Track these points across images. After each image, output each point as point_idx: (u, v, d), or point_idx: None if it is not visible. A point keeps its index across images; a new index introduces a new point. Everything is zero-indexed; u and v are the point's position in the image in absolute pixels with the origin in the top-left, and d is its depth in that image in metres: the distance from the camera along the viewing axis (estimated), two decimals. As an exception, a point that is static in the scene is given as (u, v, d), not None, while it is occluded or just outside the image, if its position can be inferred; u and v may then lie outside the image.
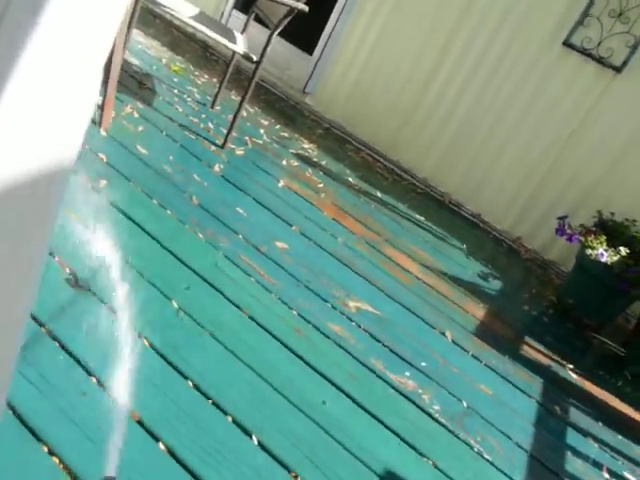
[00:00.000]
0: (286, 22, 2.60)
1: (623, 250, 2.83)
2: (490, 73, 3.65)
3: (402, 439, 1.54)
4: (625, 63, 3.31)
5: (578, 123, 3.49)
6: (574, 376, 2.38)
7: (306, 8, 2.53)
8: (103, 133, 2.35)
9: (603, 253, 2.80)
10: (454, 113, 3.79)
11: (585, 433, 2.00)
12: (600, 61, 3.36)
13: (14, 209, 0.44)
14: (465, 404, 1.82)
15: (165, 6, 2.53)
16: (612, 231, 3.04)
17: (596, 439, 2.00)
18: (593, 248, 2.86)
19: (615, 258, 2.80)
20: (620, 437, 2.09)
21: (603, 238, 2.91)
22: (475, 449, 1.64)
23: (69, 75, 0.42)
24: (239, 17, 4.39)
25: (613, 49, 3.32)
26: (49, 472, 1.04)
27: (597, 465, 1.86)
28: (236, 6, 4.45)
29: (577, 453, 1.87)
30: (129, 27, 2.59)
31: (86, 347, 1.32)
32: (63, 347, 1.29)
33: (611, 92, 3.39)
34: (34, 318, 1.32)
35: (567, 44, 3.43)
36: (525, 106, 3.59)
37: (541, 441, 1.83)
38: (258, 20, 3.26)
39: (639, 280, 2.73)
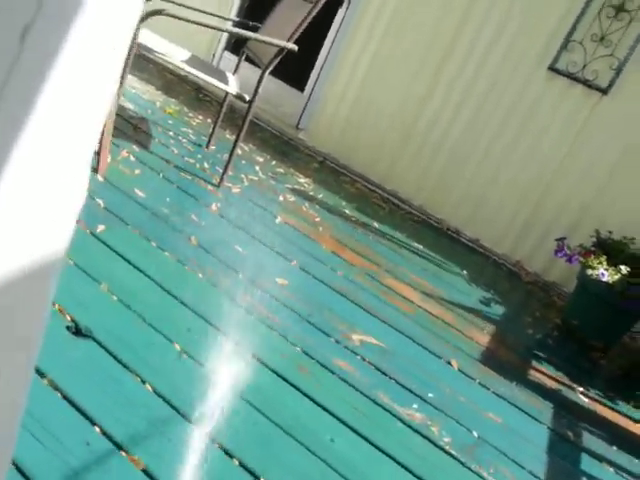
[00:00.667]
0: (277, 61, 2.66)
1: (624, 268, 2.83)
2: (480, 101, 3.72)
3: (413, 473, 1.51)
4: (611, 84, 3.38)
5: (569, 144, 3.53)
6: (584, 399, 2.35)
7: (295, 47, 2.59)
8: (100, 179, 2.37)
9: (604, 273, 2.80)
10: (446, 141, 3.84)
11: (600, 458, 1.96)
12: (586, 84, 3.43)
13: (7, 303, 0.45)
14: (475, 434, 1.78)
15: (158, 52, 2.59)
16: (611, 250, 3.04)
17: (611, 464, 1.96)
18: (594, 268, 2.86)
19: (616, 277, 2.80)
20: (636, 461, 2.05)
21: (603, 258, 2.91)
22: (488, 481, 1.60)
23: (62, 162, 0.43)
24: (230, 58, 4.49)
25: (598, 71, 3.39)
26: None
27: (614, 491, 1.82)
28: (227, 47, 4.56)
29: (593, 479, 1.83)
30: (123, 73, 2.65)
31: (88, 395, 1.31)
32: (65, 397, 1.28)
33: (599, 112, 3.44)
34: (35, 369, 1.31)
35: (552, 69, 3.50)
36: (516, 131, 3.65)
37: (555, 468, 1.80)
38: (249, 60, 3.33)
39: (642, 298, 2.71)
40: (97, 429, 1.23)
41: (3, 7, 0.35)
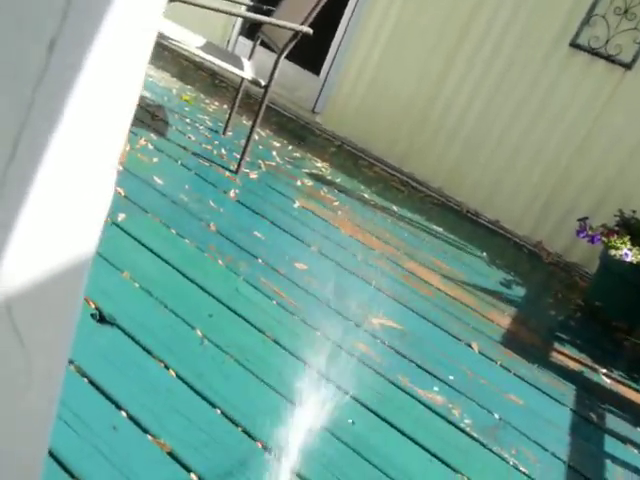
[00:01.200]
0: (292, 45, 2.64)
1: (648, 248, 2.78)
2: (498, 79, 3.65)
3: (434, 456, 1.52)
4: (635, 59, 3.29)
5: (591, 122, 3.45)
6: (607, 381, 2.33)
7: (310, 31, 2.57)
8: (119, 167, 2.39)
9: (628, 253, 2.75)
10: (464, 122, 3.78)
11: (624, 440, 1.95)
12: (609, 59, 3.34)
13: (42, 304, 0.46)
14: (497, 416, 1.78)
15: (173, 39, 2.59)
16: (635, 229, 2.98)
17: (636, 445, 1.94)
18: (617, 248, 2.81)
19: (640, 257, 2.75)
20: (660, 441, 2.03)
21: (626, 237, 2.86)
22: (510, 462, 1.60)
23: (86, 174, 0.44)
24: (245, 43, 4.47)
25: (621, 46, 3.30)
26: (84, 509, 1.05)
27: (639, 473, 1.81)
28: (242, 33, 4.54)
29: (617, 461, 1.82)
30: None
31: (114, 381, 1.34)
32: (92, 382, 1.31)
33: (623, 88, 3.36)
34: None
35: (574, 45, 3.42)
36: (536, 110, 3.58)
37: (578, 450, 1.79)
38: (264, 45, 3.31)
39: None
40: (123, 414, 1.26)
41: (29, 18, 0.36)
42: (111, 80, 0.42)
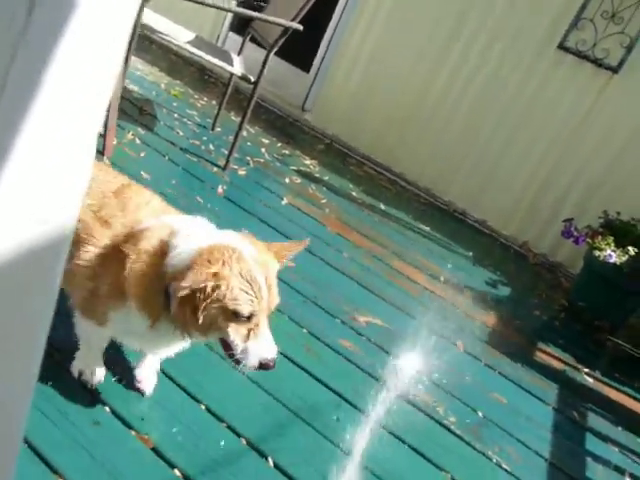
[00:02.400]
0: (282, 42, 2.63)
1: (632, 250, 2.81)
2: (487, 80, 3.67)
3: (418, 452, 1.52)
4: (621, 63, 3.32)
5: (577, 124, 3.49)
6: (590, 380, 2.36)
7: (300, 27, 2.56)
8: (106, 161, 2.37)
9: (612, 254, 2.79)
10: (452, 122, 3.80)
11: (605, 438, 1.97)
12: (596, 62, 3.37)
13: (15, 279, 0.45)
14: (480, 414, 1.80)
15: (162, 33, 2.57)
16: (619, 231, 3.02)
17: (617, 444, 1.97)
18: (601, 249, 2.84)
19: (624, 258, 2.78)
20: (640, 440, 2.06)
21: (611, 239, 2.89)
22: (493, 460, 1.62)
23: (66, 147, 0.43)
24: (235, 39, 4.44)
25: (609, 50, 3.33)
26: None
27: (619, 471, 1.83)
28: (232, 28, 4.51)
29: (598, 459, 1.84)
30: (127, 55, 2.63)
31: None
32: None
33: (609, 92, 3.39)
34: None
35: (562, 47, 3.45)
36: (523, 111, 3.60)
37: (560, 448, 1.81)
38: (254, 41, 3.29)
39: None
40: (107, 409, 1.25)
41: None
42: (93, 42, 0.41)
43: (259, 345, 1.04)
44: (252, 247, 1.11)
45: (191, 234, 1.09)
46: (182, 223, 1.14)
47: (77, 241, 1.11)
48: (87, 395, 1.27)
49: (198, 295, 0.99)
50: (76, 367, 1.29)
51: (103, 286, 1.11)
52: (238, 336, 1.04)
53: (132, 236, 1.10)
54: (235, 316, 1.02)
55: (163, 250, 1.07)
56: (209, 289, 0.99)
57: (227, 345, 1.06)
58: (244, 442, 1.31)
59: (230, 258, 1.03)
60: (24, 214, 0.43)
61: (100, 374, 1.29)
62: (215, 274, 0.99)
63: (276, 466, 1.29)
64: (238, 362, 1.05)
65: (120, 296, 1.09)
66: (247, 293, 1.02)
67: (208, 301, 1.00)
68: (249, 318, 1.03)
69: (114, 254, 1.09)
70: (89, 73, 0.42)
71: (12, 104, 0.38)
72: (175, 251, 1.06)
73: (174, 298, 1.02)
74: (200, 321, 1.01)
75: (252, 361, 1.04)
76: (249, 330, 1.04)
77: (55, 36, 0.38)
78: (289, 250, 1.23)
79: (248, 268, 1.03)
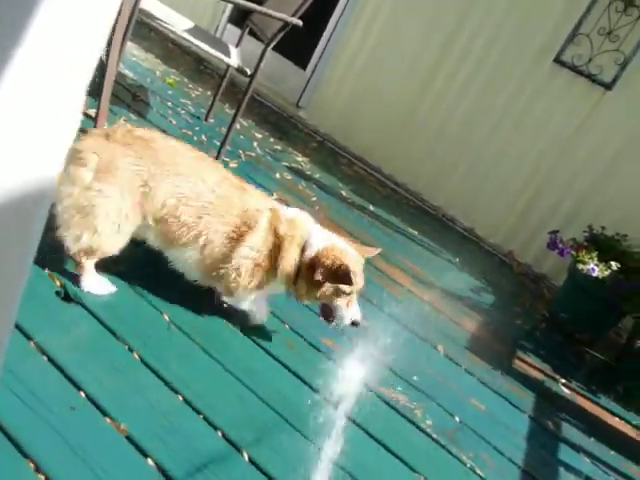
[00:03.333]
0: (280, 36, 2.61)
1: (614, 265, 2.85)
2: (482, 89, 3.69)
3: (393, 453, 1.52)
4: (615, 80, 3.36)
5: (568, 138, 3.53)
6: (566, 391, 2.38)
7: (300, 22, 2.55)
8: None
9: (594, 268, 2.82)
10: (445, 129, 3.82)
11: (577, 448, 1.99)
12: (590, 78, 3.41)
13: None
14: (457, 419, 1.81)
15: (160, 19, 2.54)
16: (603, 246, 3.05)
17: (588, 454, 1.99)
18: (584, 263, 2.87)
19: (606, 273, 2.82)
20: (612, 452, 2.08)
21: (594, 253, 2.92)
22: (467, 465, 1.62)
23: (50, 99, 0.42)
24: (234, 31, 4.42)
25: (603, 66, 3.37)
26: (35, 489, 1.03)
27: (590, 481, 1.85)
28: (231, 20, 4.49)
29: (570, 469, 1.86)
30: (124, 40, 2.60)
31: (75, 360, 1.31)
32: (51, 360, 1.28)
33: (601, 108, 3.43)
34: (22, 332, 1.31)
35: (558, 61, 3.48)
36: (516, 122, 3.63)
37: (534, 456, 1.82)
38: (252, 34, 3.28)
39: (630, 295, 2.74)
40: (82, 394, 1.23)
41: None
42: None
43: (352, 311, 1.63)
44: (352, 247, 1.66)
45: (318, 236, 1.62)
46: (313, 229, 1.66)
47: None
48: (63, 380, 1.25)
49: (324, 274, 1.55)
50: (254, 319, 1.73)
51: (265, 263, 1.59)
52: (341, 304, 1.61)
53: (287, 235, 1.59)
54: (342, 292, 1.59)
55: (304, 247, 1.60)
56: (334, 270, 1.54)
57: (327, 310, 1.65)
58: (220, 435, 1.31)
59: (343, 255, 1.58)
60: (5, 165, 0.41)
61: (265, 312, 1.74)
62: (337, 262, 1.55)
63: (251, 461, 1.28)
64: (332, 321, 1.65)
65: (274, 271, 1.60)
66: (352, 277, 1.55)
67: (330, 282, 1.56)
68: (348, 294, 1.60)
69: (274, 245, 1.59)
70: (76, 30, 0.41)
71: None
72: (309, 249, 1.59)
73: (305, 279, 1.58)
74: (319, 294, 1.59)
75: (347, 320, 1.63)
76: (347, 302, 1.62)
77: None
78: (369, 252, 1.76)
79: (354, 262, 1.58)
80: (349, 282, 1.54)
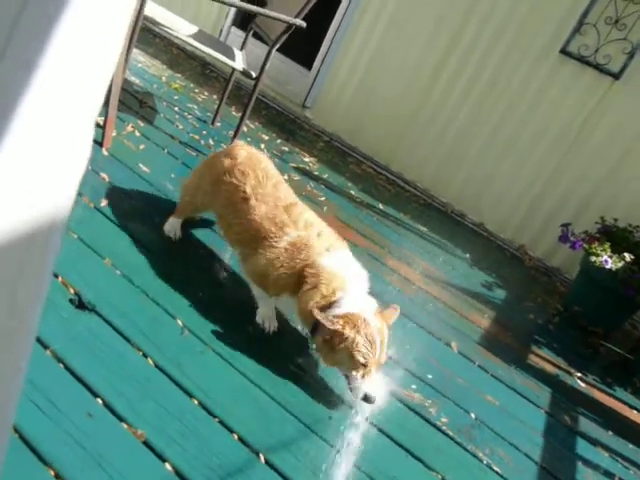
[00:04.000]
0: (284, 38, 2.62)
1: (627, 256, 2.82)
2: (489, 83, 3.67)
3: (409, 452, 1.53)
4: (623, 69, 3.32)
5: (578, 130, 3.50)
6: (582, 385, 2.36)
7: (304, 24, 2.56)
8: (105, 153, 2.37)
9: (607, 260, 2.79)
10: (452, 124, 3.80)
11: (595, 442, 1.98)
12: (598, 68, 3.38)
13: (10, 261, 0.44)
14: (473, 416, 1.80)
15: (164, 25, 2.56)
16: (616, 237, 3.03)
17: (607, 448, 1.98)
18: (597, 255, 2.85)
19: (620, 264, 2.79)
20: (631, 446, 2.07)
21: (607, 245, 2.90)
22: (484, 461, 1.62)
23: (63, 129, 0.42)
24: (238, 34, 4.44)
25: (610, 56, 3.34)
26: (55, 496, 1.04)
27: (608, 475, 1.84)
28: (234, 23, 4.50)
29: (588, 463, 1.85)
30: (129, 47, 2.62)
31: (91, 368, 1.32)
32: (67, 368, 1.29)
33: (610, 98, 3.40)
34: (39, 340, 1.33)
35: (564, 52, 3.45)
36: (524, 114, 3.61)
37: (550, 452, 1.81)
38: (257, 37, 3.29)
39: (644, 286, 2.71)
40: (99, 401, 1.25)
41: None
42: (94, 26, 0.41)
43: (366, 384, 1.52)
44: (376, 317, 1.58)
45: (349, 298, 1.57)
46: (350, 282, 1.62)
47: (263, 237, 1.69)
48: (80, 387, 1.26)
49: (336, 339, 1.51)
50: (259, 317, 1.76)
51: (280, 278, 1.65)
52: (355, 375, 1.53)
53: (316, 272, 1.61)
54: (358, 362, 1.51)
55: (330, 302, 1.57)
56: (343, 338, 1.50)
57: (345, 377, 1.57)
58: (236, 438, 1.32)
59: (361, 324, 1.52)
60: (16, 198, 0.42)
61: (274, 325, 1.75)
62: (349, 331, 1.51)
63: (267, 463, 1.29)
64: (352, 391, 1.55)
65: (290, 291, 1.66)
66: (366, 349, 1.51)
67: (342, 345, 1.51)
68: (365, 365, 1.52)
69: (298, 269, 1.63)
70: (87, 58, 0.42)
71: (4, 88, 0.38)
72: (336, 309, 1.55)
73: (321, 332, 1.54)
74: (334, 359, 1.55)
75: (360, 393, 1.52)
76: (363, 373, 1.53)
77: (50, 19, 0.38)
78: (390, 317, 1.67)
79: (371, 332, 1.52)
80: (358, 352, 1.49)
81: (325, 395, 1.60)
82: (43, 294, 0.51)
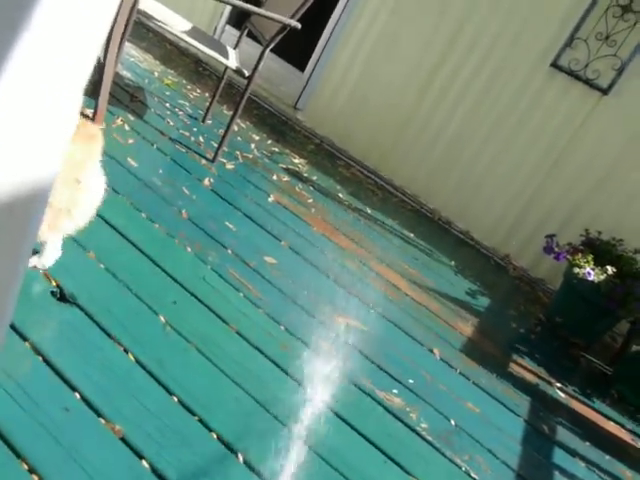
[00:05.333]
0: (278, 38, 2.62)
1: (610, 269, 2.86)
2: (480, 93, 3.70)
3: (389, 457, 1.52)
4: (612, 85, 3.37)
5: (566, 142, 3.54)
6: (562, 395, 2.38)
7: (298, 25, 2.56)
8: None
9: (590, 272, 2.83)
10: (443, 132, 3.83)
11: (572, 452, 2.00)
12: (587, 82, 3.42)
13: None
14: (453, 422, 1.81)
15: (158, 20, 2.54)
16: (599, 250, 3.06)
17: (583, 459, 1.99)
18: (580, 266, 2.88)
19: (602, 277, 2.83)
20: (608, 457, 2.09)
21: (590, 257, 2.93)
22: (462, 468, 1.62)
23: (48, 94, 0.42)
24: (232, 33, 4.43)
25: (600, 71, 3.39)
26: (28, 490, 1.02)
27: (584, 485, 1.86)
28: (229, 22, 4.49)
29: (564, 472, 1.86)
30: (122, 40, 2.59)
31: (70, 361, 1.30)
32: (46, 361, 1.27)
33: (598, 113, 3.44)
34: (17, 332, 1.30)
35: (555, 65, 3.49)
36: (514, 126, 3.64)
37: (528, 460, 1.83)
38: (251, 36, 3.28)
39: (625, 299, 2.75)
40: (77, 395, 1.23)
41: None
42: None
43: None
44: None
45: None
46: None
47: None
48: (58, 380, 1.24)
49: None
50: None
51: None
52: None
53: None
54: None
55: None
56: None
57: None
58: (215, 437, 1.30)
59: None
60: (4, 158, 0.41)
61: None
62: None
63: (245, 462, 1.28)
64: None
65: None
66: None
67: None
68: None
69: None
70: (76, 25, 0.41)
71: None
72: None
73: None
74: None
75: None
76: None
77: None
78: None
79: None
80: None
81: (304, 396, 1.59)
82: (21, 270, 0.50)
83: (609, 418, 2.40)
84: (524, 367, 2.45)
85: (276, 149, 3.53)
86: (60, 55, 0.41)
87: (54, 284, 1.50)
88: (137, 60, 3.77)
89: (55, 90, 0.42)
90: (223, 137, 2.76)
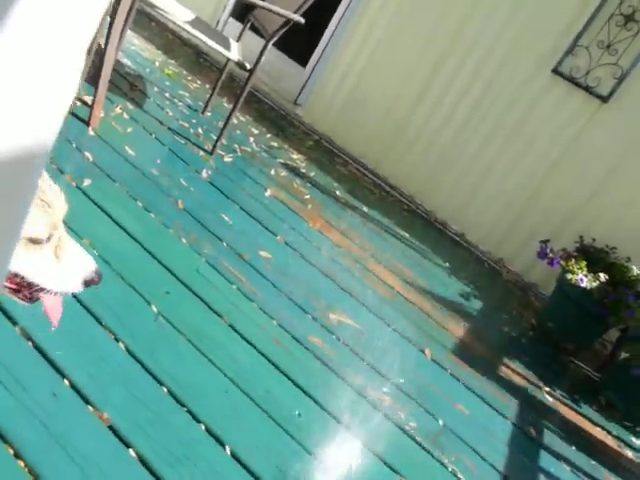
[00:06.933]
0: (281, 33, 2.61)
1: (602, 276, 2.87)
2: (479, 95, 3.70)
3: (376, 455, 1.53)
4: (612, 93, 3.38)
5: (563, 148, 3.55)
6: (550, 399, 2.40)
7: (302, 20, 2.55)
8: (91, 132, 2.33)
9: (583, 278, 2.84)
10: (441, 134, 3.83)
11: (558, 456, 2.01)
12: (587, 90, 3.43)
13: None
14: (441, 423, 1.81)
15: (161, 9, 2.53)
16: (592, 257, 3.08)
17: (569, 463, 2.01)
18: (573, 273, 2.89)
19: (594, 284, 2.84)
20: (593, 462, 2.10)
21: (583, 263, 2.95)
22: (449, 468, 1.63)
23: (46, 61, 0.41)
24: (235, 25, 4.41)
25: (600, 79, 3.40)
26: (14, 476, 1.01)
27: (569, 489, 1.87)
28: (232, 14, 4.47)
29: (550, 476, 1.87)
30: (123, 28, 2.58)
31: (60, 348, 1.30)
32: (37, 347, 1.26)
33: (597, 121, 3.45)
34: (8, 316, 1.30)
35: (556, 72, 3.50)
36: (512, 130, 3.65)
37: (515, 463, 1.83)
38: (254, 29, 3.27)
39: (616, 307, 2.76)
40: (66, 382, 1.22)
41: None
42: None
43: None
44: None
45: None
46: None
47: None
48: (47, 366, 1.24)
49: None
50: None
51: None
52: None
53: None
54: None
55: None
56: None
57: None
58: (203, 428, 1.30)
59: None
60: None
61: None
62: None
63: (233, 455, 1.28)
64: None
65: None
66: None
67: None
68: None
69: None
70: None
71: None
72: None
73: None
74: None
75: None
76: None
77: None
78: None
79: None
80: None
81: (295, 391, 1.59)
82: (16, 232, 0.49)
83: (596, 424, 2.42)
84: (514, 370, 2.46)
85: (275, 144, 3.53)
86: (59, 22, 0.40)
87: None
88: (138, 49, 3.75)
89: (56, 51, 0.41)
90: (222, 130, 2.76)
